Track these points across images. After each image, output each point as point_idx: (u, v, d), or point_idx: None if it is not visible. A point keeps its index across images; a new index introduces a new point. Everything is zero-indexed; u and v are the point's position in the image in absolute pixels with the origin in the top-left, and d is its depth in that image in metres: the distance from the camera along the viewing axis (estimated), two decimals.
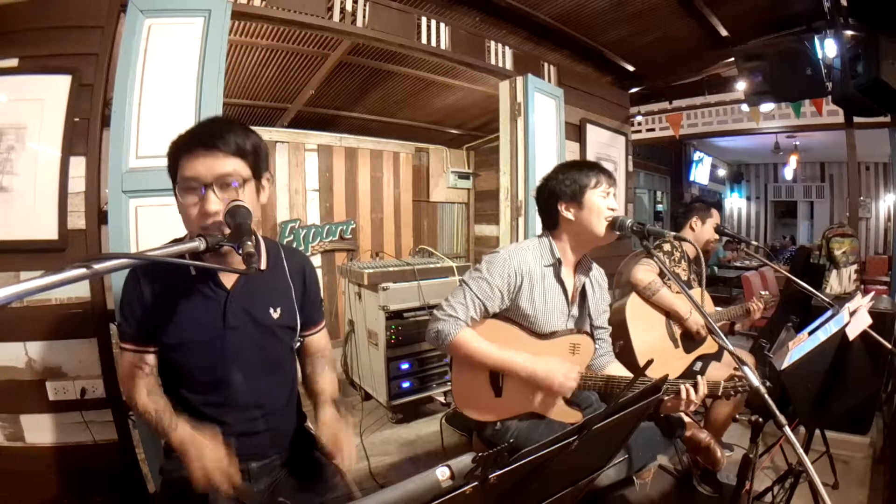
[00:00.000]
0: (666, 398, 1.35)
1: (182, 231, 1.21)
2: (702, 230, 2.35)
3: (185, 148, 1.05)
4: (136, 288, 1.12)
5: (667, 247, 2.22)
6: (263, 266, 1.21)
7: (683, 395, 1.33)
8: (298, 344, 1.30)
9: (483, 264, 1.48)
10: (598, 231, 1.48)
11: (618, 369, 1.61)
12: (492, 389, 1.49)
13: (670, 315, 2.12)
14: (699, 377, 1.35)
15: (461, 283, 1.48)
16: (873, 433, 2.43)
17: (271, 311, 1.20)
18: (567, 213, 1.51)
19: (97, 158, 1.75)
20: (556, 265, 1.52)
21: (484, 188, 5.29)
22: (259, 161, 1.11)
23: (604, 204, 1.48)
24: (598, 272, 1.66)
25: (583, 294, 1.58)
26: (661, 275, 2.12)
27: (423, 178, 5.14)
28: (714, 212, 2.37)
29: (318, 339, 1.35)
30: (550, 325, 1.50)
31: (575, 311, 1.56)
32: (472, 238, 5.49)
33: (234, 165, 1.05)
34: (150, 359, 1.14)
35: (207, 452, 0.97)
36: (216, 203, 1.01)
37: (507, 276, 1.45)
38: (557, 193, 1.52)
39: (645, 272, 2.10)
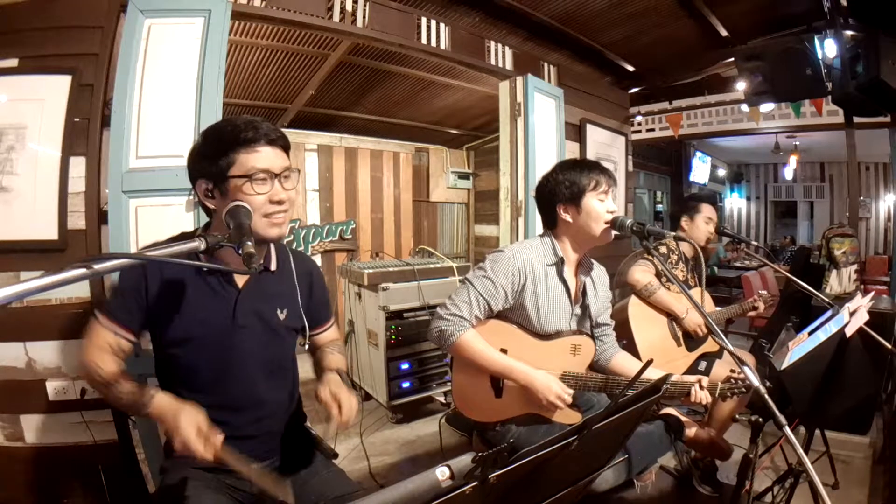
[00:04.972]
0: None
1: (180, 230, 1.22)
2: (692, 228, 2.28)
3: (249, 140, 1.07)
4: (141, 276, 1.10)
5: (663, 249, 2.21)
6: (273, 267, 1.22)
7: (693, 396, 1.37)
8: (307, 346, 1.31)
9: (487, 263, 1.48)
10: (596, 234, 1.48)
11: (625, 359, 1.63)
12: (492, 390, 1.49)
13: (670, 314, 2.12)
14: (696, 386, 1.38)
15: (465, 281, 1.48)
16: (873, 433, 2.43)
17: (279, 312, 1.21)
18: (565, 214, 1.51)
19: (97, 158, 1.75)
20: (559, 264, 1.52)
21: (484, 188, 5.29)
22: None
23: (602, 208, 1.47)
24: (599, 270, 1.66)
25: (584, 293, 1.58)
26: (658, 275, 2.13)
27: (423, 178, 5.14)
28: (704, 206, 2.28)
29: (329, 333, 1.38)
30: (553, 325, 1.50)
31: (578, 310, 1.56)
32: (472, 238, 5.49)
33: (288, 161, 1.14)
34: (125, 345, 1.10)
35: (185, 416, 0.95)
36: (283, 192, 1.09)
37: (512, 274, 1.45)
38: (557, 195, 1.52)
39: (642, 273, 2.10)
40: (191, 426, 0.94)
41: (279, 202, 1.09)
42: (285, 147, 1.14)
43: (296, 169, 1.15)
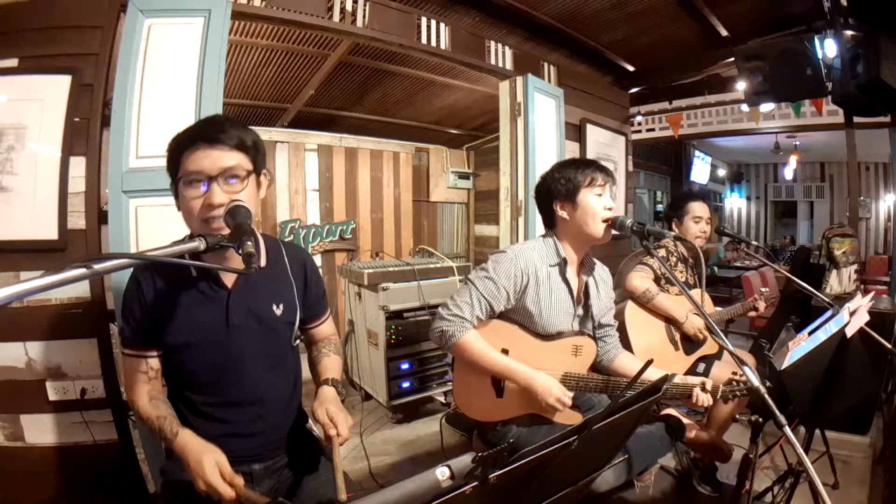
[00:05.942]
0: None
1: (182, 232, 1.21)
2: (682, 230, 2.25)
3: (187, 143, 1.05)
4: (137, 291, 1.12)
5: (661, 252, 2.20)
6: (263, 263, 1.21)
7: (695, 399, 1.36)
8: (301, 339, 1.30)
9: (489, 263, 1.47)
10: (593, 232, 1.47)
11: (627, 359, 1.63)
12: (493, 390, 1.49)
13: (668, 319, 2.11)
14: (698, 389, 1.37)
15: (467, 281, 1.47)
16: (873, 433, 2.43)
17: (274, 307, 1.20)
18: (562, 212, 1.50)
19: (97, 158, 1.75)
20: (562, 264, 1.51)
21: (484, 188, 5.29)
22: (258, 156, 1.13)
23: (599, 204, 1.46)
24: (601, 270, 1.65)
25: (586, 293, 1.58)
26: (657, 280, 2.12)
27: (423, 178, 5.14)
28: (691, 205, 2.24)
29: (324, 327, 1.37)
30: (556, 326, 1.50)
31: (580, 310, 1.56)
32: (472, 238, 5.49)
33: (237, 159, 1.06)
34: (154, 363, 1.14)
35: (207, 458, 0.96)
36: (221, 195, 1.03)
37: (514, 275, 1.44)
38: (553, 192, 1.51)
39: (640, 280, 2.08)
40: (213, 468, 0.94)
41: (209, 206, 1.02)
42: (239, 146, 1.06)
43: (242, 168, 1.06)
